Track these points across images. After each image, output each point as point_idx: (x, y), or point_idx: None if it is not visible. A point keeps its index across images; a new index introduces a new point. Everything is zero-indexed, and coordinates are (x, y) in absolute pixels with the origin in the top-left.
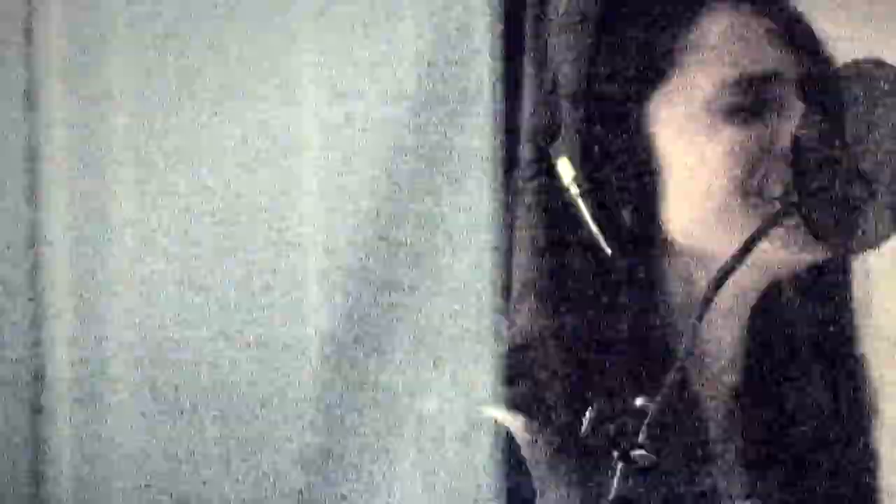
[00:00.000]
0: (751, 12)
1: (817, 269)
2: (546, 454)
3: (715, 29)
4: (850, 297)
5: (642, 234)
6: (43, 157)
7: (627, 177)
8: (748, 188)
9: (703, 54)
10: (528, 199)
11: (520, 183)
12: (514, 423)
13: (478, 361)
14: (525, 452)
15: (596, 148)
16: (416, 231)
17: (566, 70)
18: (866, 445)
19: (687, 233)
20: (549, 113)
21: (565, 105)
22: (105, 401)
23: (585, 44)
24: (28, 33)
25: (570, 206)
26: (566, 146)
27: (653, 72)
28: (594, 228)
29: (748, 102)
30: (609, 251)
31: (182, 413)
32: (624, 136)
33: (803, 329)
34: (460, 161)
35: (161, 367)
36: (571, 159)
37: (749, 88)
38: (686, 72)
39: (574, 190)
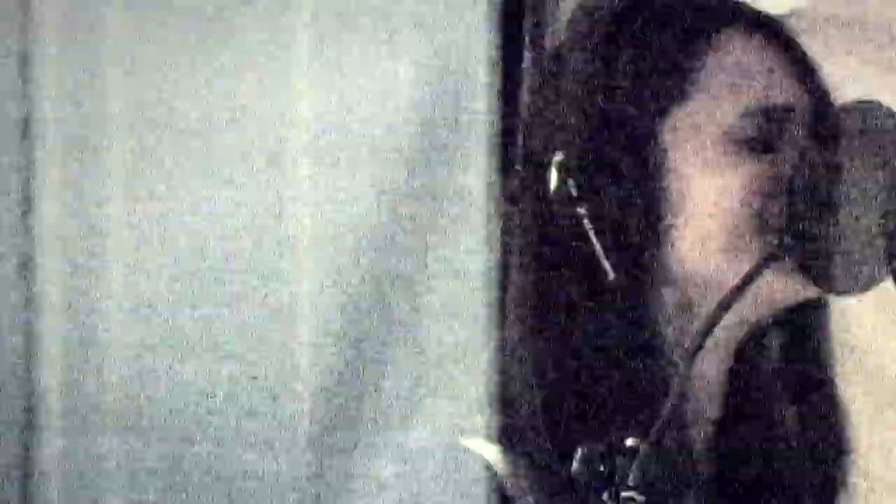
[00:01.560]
0: (762, 43)
1: (798, 307)
2: (529, 489)
3: (731, 54)
4: (829, 336)
5: (646, 260)
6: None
7: (635, 199)
8: (759, 221)
9: (720, 80)
10: (525, 222)
11: (517, 207)
12: (496, 455)
13: (463, 393)
14: (507, 485)
15: (605, 168)
16: (409, 261)
17: (574, 87)
18: (842, 482)
19: (692, 261)
20: (550, 130)
21: (573, 122)
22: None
23: (597, 60)
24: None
25: (569, 229)
26: (573, 165)
27: (666, 93)
28: (598, 249)
29: (763, 134)
30: (612, 274)
31: (169, 437)
32: (635, 157)
33: (783, 366)
34: (455, 189)
35: (152, 388)
36: (578, 178)
37: (765, 119)
38: (702, 96)
39: (581, 210)
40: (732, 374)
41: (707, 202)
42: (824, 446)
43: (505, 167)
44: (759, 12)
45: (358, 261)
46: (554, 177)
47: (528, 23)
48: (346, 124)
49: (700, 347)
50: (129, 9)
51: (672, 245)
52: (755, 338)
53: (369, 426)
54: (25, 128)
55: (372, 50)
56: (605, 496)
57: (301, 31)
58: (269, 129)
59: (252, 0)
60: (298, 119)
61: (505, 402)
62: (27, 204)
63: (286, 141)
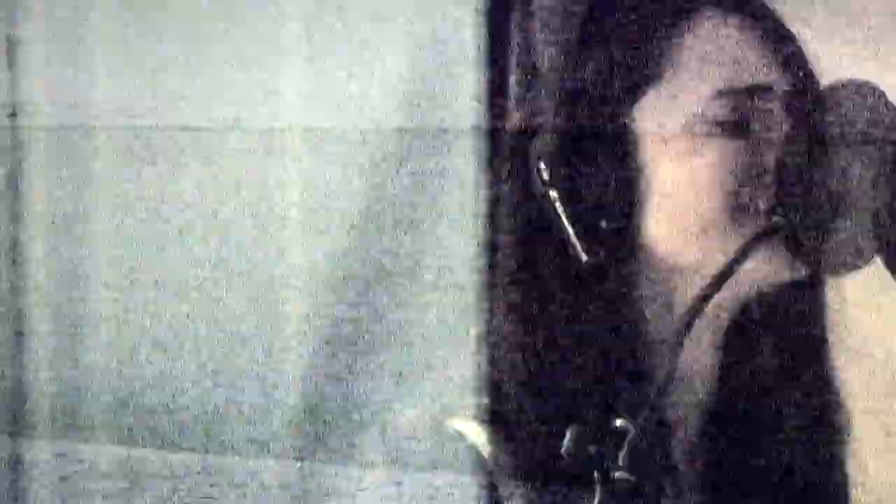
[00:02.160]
0: (741, 23)
1: (791, 287)
2: (516, 471)
3: (706, 36)
4: (823, 316)
5: (621, 243)
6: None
7: (608, 182)
8: (735, 203)
9: (693, 61)
10: (507, 208)
11: (501, 190)
12: (483, 436)
13: (450, 374)
14: (493, 467)
15: (577, 151)
16: (397, 245)
17: (549, 68)
18: (838, 465)
19: (669, 245)
20: (529, 112)
21: (547, 104)
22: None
23: (570, 41)
24: None
25: (547, 212)
26: (546, 147)
27: (640, 75)
28: (571, 233)
29: (737, 115)
30: (584, 258)
31: (161, 439)
32: (607, 139)
33: (775, 347)
34: (444, 181)
35: (138, 403)
36: (550, 161)
37: (738, 100)
38: (676, 78)
39: (553, 193)
40: (723, 356)
41: (677, 184)
42: (819, 429)
43: (492, 154)
44: None
45: (346, 246)
46: (531, 160)
47: (516, 16)
48: (337, 111)
49: (687, 331)
50: None
51: (646, 228)
52: (746, 320)
53: (357, 406)
54: (13, 111)
55: (362, 36)
56: (594, 477)
57: (292, 16)
58: (259, 110)
59: None
60: (289, 103)
61: (492, 384)
62: (13, 182)
63: (276, 119)
